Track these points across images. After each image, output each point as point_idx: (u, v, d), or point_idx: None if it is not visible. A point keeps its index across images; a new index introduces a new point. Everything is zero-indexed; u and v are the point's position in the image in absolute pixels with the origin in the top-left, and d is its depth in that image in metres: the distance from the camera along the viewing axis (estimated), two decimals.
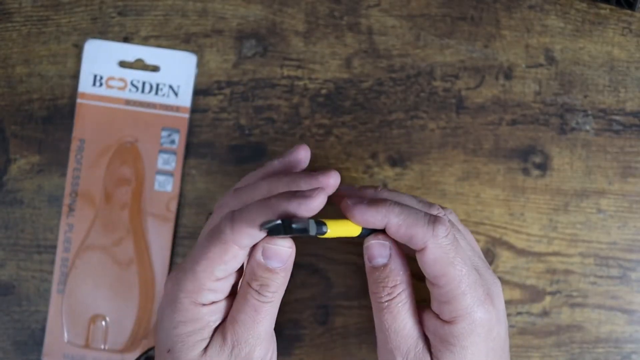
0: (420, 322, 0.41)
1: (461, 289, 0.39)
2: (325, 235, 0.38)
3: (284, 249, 0.39)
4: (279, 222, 0.36)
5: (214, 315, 0.40)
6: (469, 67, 0.51)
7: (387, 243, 0.40)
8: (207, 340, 0.39)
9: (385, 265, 0.40)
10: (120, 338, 0.50)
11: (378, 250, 0.40)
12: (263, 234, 0.38)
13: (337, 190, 0.41)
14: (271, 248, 0.38)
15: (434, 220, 0.39)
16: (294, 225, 0.36)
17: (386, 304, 0.40)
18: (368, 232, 0.41)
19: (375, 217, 0.39)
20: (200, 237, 0.42)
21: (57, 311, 0.50)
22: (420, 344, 0.40)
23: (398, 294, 0.40)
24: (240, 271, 0.41)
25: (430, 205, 0.42)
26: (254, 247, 0.39)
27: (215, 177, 0.51)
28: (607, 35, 0.51)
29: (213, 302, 0.40)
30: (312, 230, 0.37)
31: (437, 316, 0.40)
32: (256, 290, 0.39)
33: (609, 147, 0.51)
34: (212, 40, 0.51)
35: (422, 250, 0.39)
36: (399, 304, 0.40)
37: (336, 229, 0.39)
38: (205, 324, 0.39)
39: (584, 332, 0.51)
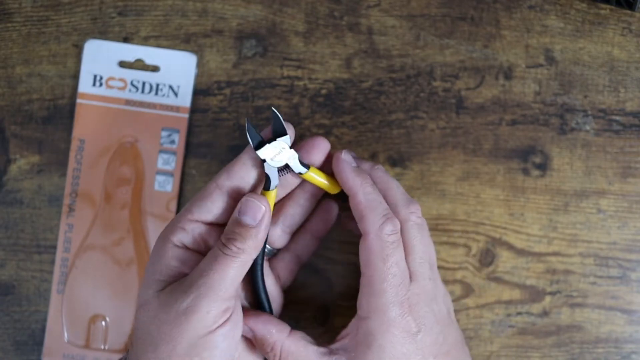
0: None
1: (382, 286, 0.40)
2: (305, 175, 0.42)
3: (259, 206, 0.40)
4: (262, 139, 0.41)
5: (177, 261, 0.40)
6: (468, 67, 0.51)
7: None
8: (165, 283, 0.40)
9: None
10: (120, 338, 0.50)
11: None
12: (238, 170, 0.41)
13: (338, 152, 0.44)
14: (248, 201, 0.40)
15: (388, 217, 0.41)
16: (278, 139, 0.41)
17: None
18: (343, 197, 0.43)
19: (349, 181, 0.42)
20: None
21: (57, 311, 0.50)
22: None
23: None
24: (216, 233, 0.41)
25: (409, 202, 0.43)
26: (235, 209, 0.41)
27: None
28: (607, 36, 0.51)
29: (183, 247, 0.41)
30: (294, 160, 0.42)
31: (356, 316, 0.42)
32: (223, 243, 0.40)
33: (609, 147, 0.51)
34: (212, 40, 0.51)
35: (364, 236, 0.41)
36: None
37: (318, 175, 0.43)
38: (167, 264, 0.40)
39: (584, 332, 0.51)
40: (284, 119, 0.42)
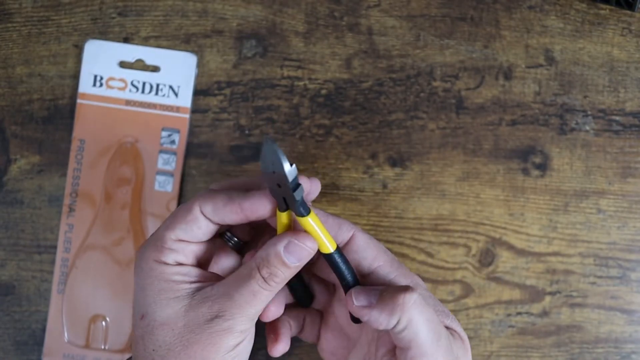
0: None
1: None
2: (300, 218, 0.38)
3: (307, 249, 0.39)
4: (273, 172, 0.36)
5: (181, 277, 0.39)
6: (468, 67, 0.51)
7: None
8: (185, 300, 0.39)
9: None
10: (120, 338, 0.50)
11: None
12: (225, 203, 0.38)
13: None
14: (296, 244, 0.39)
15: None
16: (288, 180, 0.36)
17: None
18: (340, 256, 0.40)
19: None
20: None
21: (57, 311, 0.50)
22: None
23: None
24: (206, 246, 0.40)
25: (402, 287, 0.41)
26: (277, 239, 0.39)
27: (215, 177, 0.51)
28: (606, 36, 0.51)
29: (179, 264, 0.40)
30: (298, 197, 0.37)
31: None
32: (263, 278, 0.39)
33: (609, 148, 0.51)
34: (212, 41, 0.51)
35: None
36: None
37: (315, 224, 0.38)
38: (174, 283, 0.39)
39: (584, 332, 0.51)
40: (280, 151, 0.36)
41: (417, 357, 0.38)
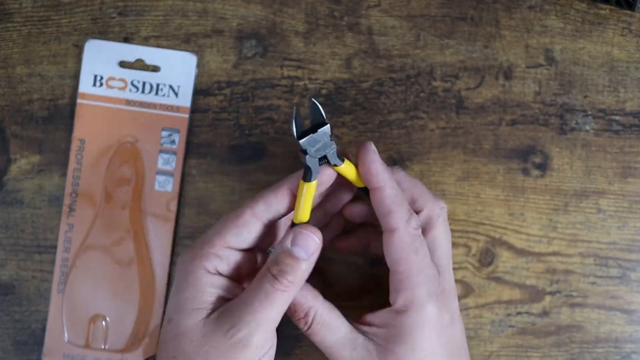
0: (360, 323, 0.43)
1: (418, 279, 0.40)
2: (339, 168, 0.41)
3: (313, 239, 0.39)
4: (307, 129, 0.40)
5: (214, 288, 0.39)
6: (468, 67, 0.51)
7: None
8: (206, 311, 0.39)
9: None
10: (120, 338, 0.50)
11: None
12: (275, 202, 0.40)
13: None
14: (302, 234, 0.39)
15: (412, 212, 0.41)
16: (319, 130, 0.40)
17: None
18: (364, 191, 0.43)
19: (378, 174, 0.41)
20: None
21: (57, 311, 0.50)
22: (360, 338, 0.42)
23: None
24: (249, 258, 0.41)
25: (437, 199, 0.44)
26: (284, 236, 0.39)
27: (215, 177, 0.51)
28: (606, 36, 0.51)
29: (217, 273, 0.40)
30: (332, 152, 0.41)
31: (390, 309, 0.41)
32: (273, 275, 0.38)
33: (609, 148, 0.51)
34: (212, 41, 0.51)
35: (390, 231, 0.41)
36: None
37: (350, 168, 0.42)
38: (204, 291, 0.39)
39: (584, 332, 0.51)
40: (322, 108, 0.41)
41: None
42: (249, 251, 0.41)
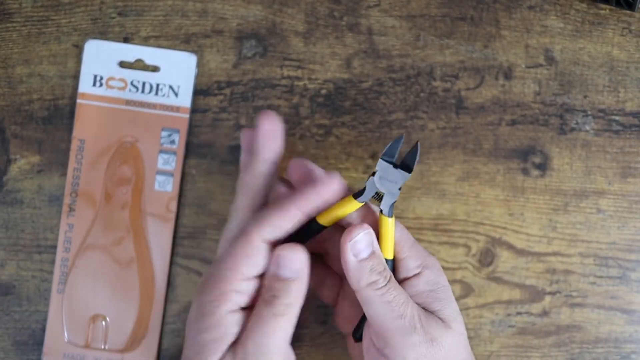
0: None
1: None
2: (383, 218, 0.40)
3: (296, 257, 0.38)
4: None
5: (236, 325, 0.38)
6: (468, 67, 0.51)
7: (371, 231, 0.40)
8: (226, 346, 0.38)
9: (372, 253, 0.40)
10: (120, 338, 0.50)
11: (366, 241, 0.40)
12: (284, 224, 0.38)
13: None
14: (283, 255, 0.38)
15: None
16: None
17: (387, 285, 0.39)
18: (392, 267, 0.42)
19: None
20: (219, 246, 0.42)
21: (57, 311, 0.50)
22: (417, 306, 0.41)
23: (390, 273, 0.40)
24: (261, 279, 0.40)
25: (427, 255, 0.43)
26: (269, 264, 0.39)
27: (215, 177, 0.51)
28: (606, 36, 0.51)
29: (238, 309, 0.38)
30: (390, 199, 0.40)
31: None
32: (267, 302, 0.38)
33: (609, 148, 0.51)
34: (212, 41, 0.51)
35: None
36: (394, 279, 0.40)
37: (391, 230, 0.41)
38: (227, 332, 0.38)
39: (584, 332, 0.51)
40: (417, 159, 0.40)
41: (383, 336, 0.39)
42: (261, 275, 0.40)
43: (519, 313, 0.51)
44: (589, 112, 0.51)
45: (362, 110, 0.51)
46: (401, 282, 0.41)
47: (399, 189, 0.40)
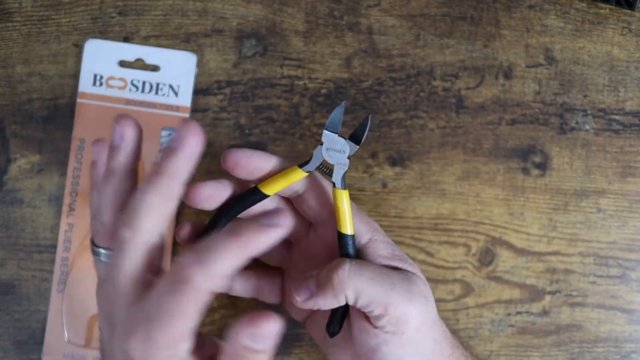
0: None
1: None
2: (336, 190, 0.41)
3: (272, 331, 0.34)
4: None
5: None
6: (468, 66, 0.51)
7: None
8: None
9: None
10: None
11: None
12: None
13: None
14: (260, 334, 0.34)
15: None
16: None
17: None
18: (353, 242, 0.42)
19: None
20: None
21: (57, 311, 0.50)
22: None
23: None
24: None
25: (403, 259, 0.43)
26: (236, 333, 0.34)
27: (215, 177, 0.51)
28: (606, 35, 0.51)
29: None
30: (341, 170, 0.41)
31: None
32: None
33: (609, 147, 0.51)
34: (212, 40, 0.51)
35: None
36: None
37: (346, 203, 0.41)
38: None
39: (584, 332, 0.51)
40: (368, 131, 0.41)
41: (378, 309, 0.39)
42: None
43: (519, 312, 0.51)
44: (589, 112, 0.51)
45: (362, 110, 0.51)
46: (361, 250, 0.42)
47: (348, 158, 0.40)
